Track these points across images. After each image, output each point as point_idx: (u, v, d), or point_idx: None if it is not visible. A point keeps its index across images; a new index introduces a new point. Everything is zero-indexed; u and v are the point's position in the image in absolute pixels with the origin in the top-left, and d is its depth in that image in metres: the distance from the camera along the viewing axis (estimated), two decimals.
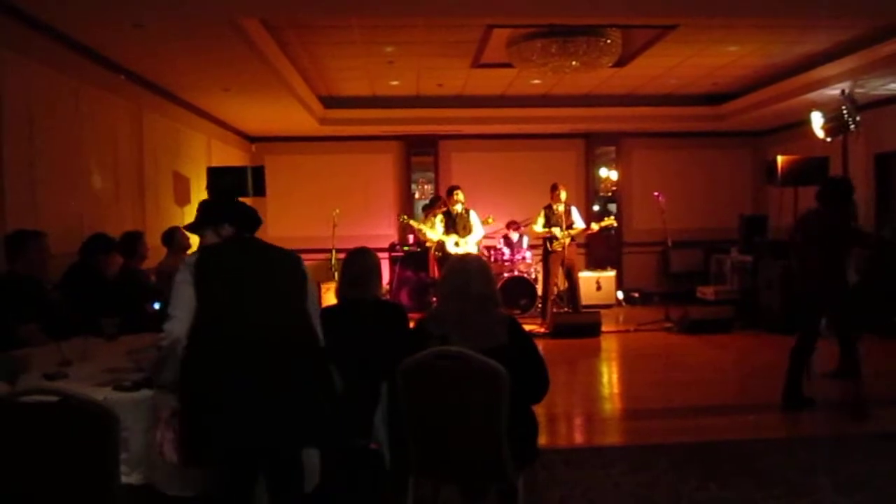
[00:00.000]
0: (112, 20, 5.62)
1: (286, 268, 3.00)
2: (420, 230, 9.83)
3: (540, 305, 9.80)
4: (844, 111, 7.61)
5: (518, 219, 10.61)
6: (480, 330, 3.05)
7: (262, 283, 2.88)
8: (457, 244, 9.12)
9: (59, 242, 5.26)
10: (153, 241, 6.67)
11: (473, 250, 8.95)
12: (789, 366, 5.54)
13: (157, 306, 5.29)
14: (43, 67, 5.65)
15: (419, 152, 12.31)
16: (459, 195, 9.30)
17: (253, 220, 3.12)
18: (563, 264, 9.32)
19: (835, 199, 5.57)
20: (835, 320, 5.67)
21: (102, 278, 5.17)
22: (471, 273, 3.19)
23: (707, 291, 10.97)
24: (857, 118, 7.59)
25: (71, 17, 5.49)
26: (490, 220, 9.75)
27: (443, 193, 10.87)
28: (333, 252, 10.26)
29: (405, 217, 10.20)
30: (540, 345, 3.29)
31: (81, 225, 5.98)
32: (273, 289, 2.89)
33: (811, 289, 5.55)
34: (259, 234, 3.13)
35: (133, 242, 5.87)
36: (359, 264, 3.84)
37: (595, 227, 9.64)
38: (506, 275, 10.04)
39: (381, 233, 11.79)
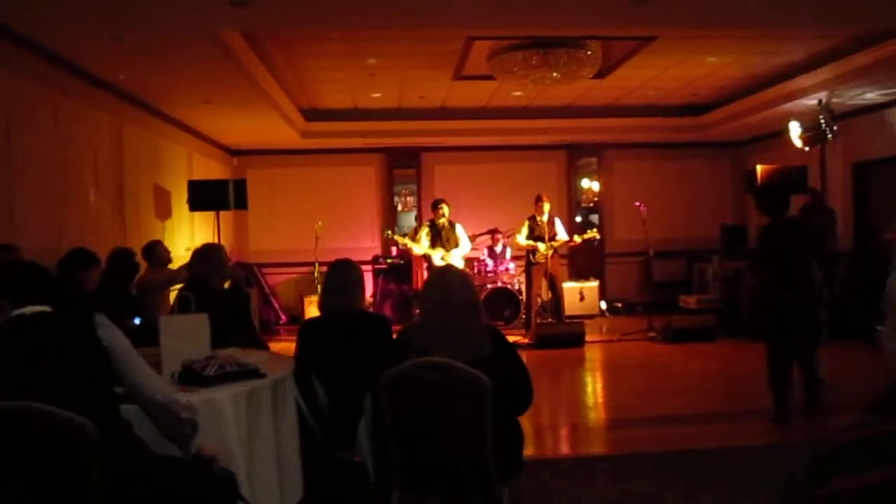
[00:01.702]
0: (92, 33, 5.59)
1: (68, 348, 2.44)
2: (405, 244, 9.82)
3: (524, 316, 9.81)
4: (822, 121, 7.70)
5: (501, 229, 10.64)
6: (463, 341, 3.03)
7: (40, 377, 2.36)
8: (443, 258, 9.12)
9: (37, 257, 5.19)
10: None
11: (459, 264, 8.95)
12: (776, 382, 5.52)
13: (137, 321, 5.23)
14: (21, 80, 5.59)
15: (402, 165, 12.30)
16: (444, 209, 9.32)
17: (31, 288, 2.54)
18: (546, 275, 9.35)
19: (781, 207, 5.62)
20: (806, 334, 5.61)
21: (81, 293, 5.11)
22: (452, 284, 3.18)
23: (689, 300, 11.01)
24: (835, 128, 7.69)
25: (50, 29, 5.45)
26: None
27: (426, 206, 10.88)
28: (316, 265, 10.23)
29: (389, 232, 10.19)
30: (524, 355, 3.29)
31: (60, 239, 5.91)
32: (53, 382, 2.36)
33: (788, 301, 5.52)
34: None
35: (127, 259, 5.85)
36: (341, 275, 3.82)
37: (577, 239, 9.67)
38: (489, 286, 10.04)
39: (364, 245, 11.76)
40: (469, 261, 10.18)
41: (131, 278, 5.92)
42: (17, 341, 2.42)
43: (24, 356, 2.39)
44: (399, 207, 12.39)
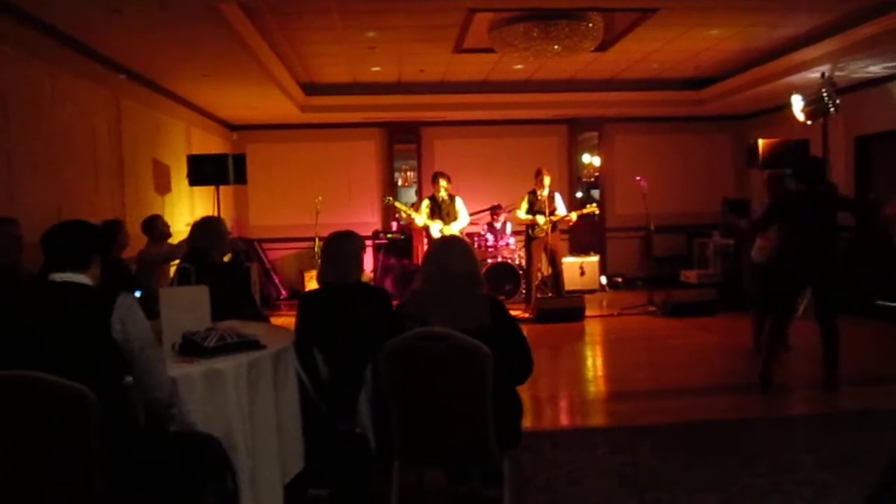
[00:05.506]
0: (89, 5, 5.53)
1: (78, 322, 2.44)
2: (407, 213, 9.82)
3: (524, 291, 9.82)
4: (824, 94, 7.65)
5: (502, 205, 10.62)
6: (463, 311, 3.03)
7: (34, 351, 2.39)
8: (441, 231, 9.12)
9: (36, 232, 5.19)
10: (133, 229, 6.60)
11: None
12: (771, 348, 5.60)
13: (137, 294, 5.23)
14: (18, 54, 5.55)
15: (402, 139, 12.26)
16: (443, 182, 9.31)
17: (59, 253, 2.61)
18: (546, 250, 9.35)
19: (819, 176, 5.65)
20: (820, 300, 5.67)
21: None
22: (453, 254, 3.17)
23: (690, 275, 11.02)
24: (837, 101, 7.64)
25: (48, 2, 5.40)
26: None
27: (426, 181, 10.84)
28: (316, 240, 10.23)
29: (390, 199, 10.19)
30: (524, 330, 3.27)
31: (59, 214, 5.89)
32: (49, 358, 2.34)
33: (800, 267, 5.53)
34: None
35: (113, 231, 5.81)
36: (334, 247, 3.83)
37: (573, 216, 9.64)
38: (490, 261, 10.04)
39: (364, 220, 11.73)
40: (469, 236, 10.17)
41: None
42: (38, 305, 2.48)
43: (36, 320, 2.43)
44: (399, 182, 12.38)
